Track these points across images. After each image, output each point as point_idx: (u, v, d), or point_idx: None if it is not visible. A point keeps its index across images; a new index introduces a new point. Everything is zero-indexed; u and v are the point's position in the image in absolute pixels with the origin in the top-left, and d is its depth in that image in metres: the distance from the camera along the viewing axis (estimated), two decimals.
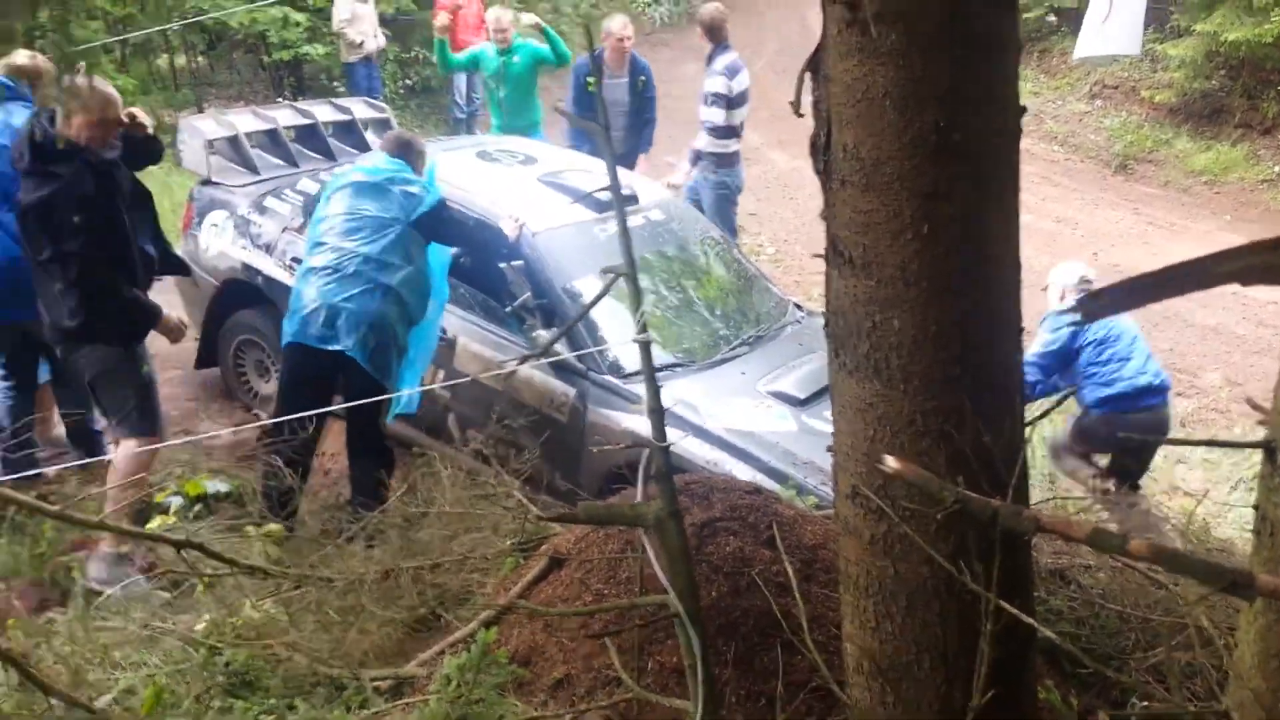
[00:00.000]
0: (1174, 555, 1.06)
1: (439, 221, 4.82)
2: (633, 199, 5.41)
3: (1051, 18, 13.90)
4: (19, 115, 4.60)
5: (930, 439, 1.74)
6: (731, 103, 7.24)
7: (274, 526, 3.52)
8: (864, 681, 1.91)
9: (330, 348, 4.48)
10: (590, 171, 5.67)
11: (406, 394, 4.83)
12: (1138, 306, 0.56)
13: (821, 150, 1.83)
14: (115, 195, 4.24)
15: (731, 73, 7.22)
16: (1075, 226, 10.18)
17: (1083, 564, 3.36)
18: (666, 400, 4.47)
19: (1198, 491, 5.53)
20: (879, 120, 1.70)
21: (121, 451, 4.31)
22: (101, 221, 4.15)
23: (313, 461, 4.66)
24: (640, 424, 4.50)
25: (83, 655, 3.03)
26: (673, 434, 4.35)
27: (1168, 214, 10.73)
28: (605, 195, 5.15)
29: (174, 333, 4.61)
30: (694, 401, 4.52)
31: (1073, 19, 12.73)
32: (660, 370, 4.76)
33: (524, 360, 3.91)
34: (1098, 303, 0.54)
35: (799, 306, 5.83)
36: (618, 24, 7.83)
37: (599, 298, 2.61)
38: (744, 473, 4.07)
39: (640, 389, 4.66)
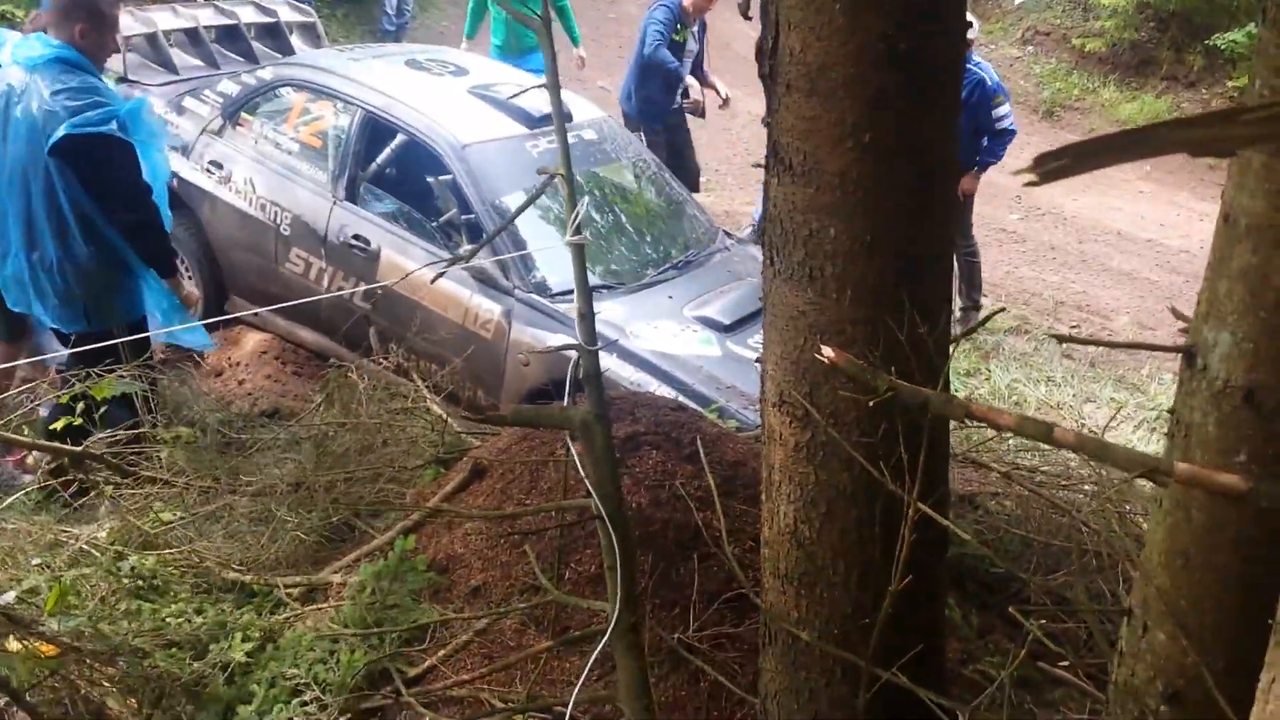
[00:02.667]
0: (1098, 443, 1.08)
1: (94, 158, 3.54)
2: (566, 116, 5.30)
3: None
4: None
5: (859, 347, 1.74)
6: None
7: (184, 430, 3.42)
8: (779, 586, 1.93)
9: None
10: (522, 85, 5.54)
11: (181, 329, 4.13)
12: (1095, 169, 0.56)
13: (768, 54, 1.80)
14: None
15: None
16: (1000, 168, 10.29)
17: (991, 491, 3.46)
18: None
19: (1101, 428, 5.70)
20: (827, 25, 1.68)
21: None
22: None
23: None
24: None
25: None
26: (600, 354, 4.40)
27: None
28: (536, 109, 5.13)
29: None
30: (619, 323, 4.50)
31: None
32: None
33: (449, 264, 3.73)
34: (1056, 162, 0.53)
35: (728, 234, 5.83)
36: None
37: (532, 199, 2.56)
38: (667, 395, 4.07)
39: (565, 308, 4.64)
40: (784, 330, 1.85)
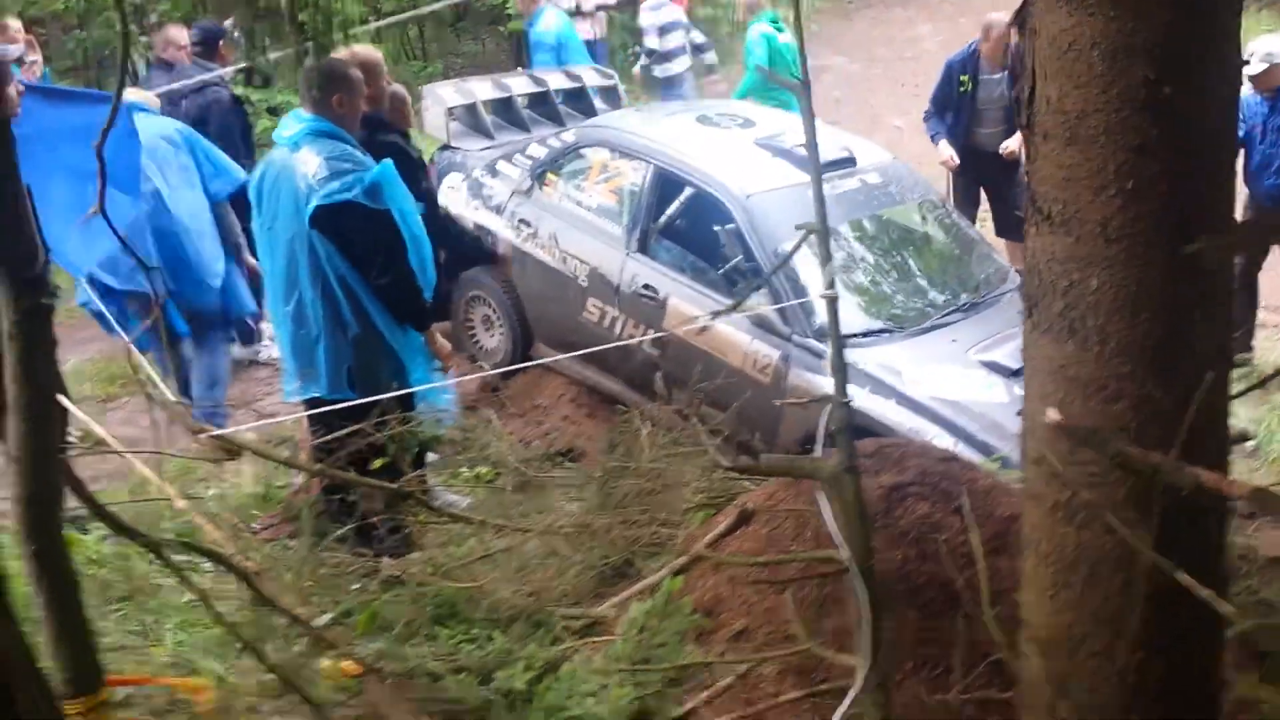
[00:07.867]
0: None
1: (343, 225, 3.67)
2: (849, 161, 5.33)
3: None
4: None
5: (1124, 403, 1.67)
6: None
7: (483, 470, 3.70)
8: (1037, 651, 1.85)
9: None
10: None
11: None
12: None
13: (1025, 104, 1.78)
14: None
15: None
16: None
17: None
18: (871, 365, 4.43)
19: None
20: (1086, 73, 1.65)
21: None
22: None
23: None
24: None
25: (307, 580, 3.30)
26: (876, 400, 4.34)
27: None
28: (820, 157, 5.17)
29: None
30: (898, 367, 4.43)
31: None
32: (868, 335, 4.72)
33: (715, 315, 3.81)
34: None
35: (1020, 274, 5.60)
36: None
37: (789, 255, 2.60)
38: (946, 442, 3.96)
39: (847, 353, 4.60)
40: (1044, 384, 1.79)
